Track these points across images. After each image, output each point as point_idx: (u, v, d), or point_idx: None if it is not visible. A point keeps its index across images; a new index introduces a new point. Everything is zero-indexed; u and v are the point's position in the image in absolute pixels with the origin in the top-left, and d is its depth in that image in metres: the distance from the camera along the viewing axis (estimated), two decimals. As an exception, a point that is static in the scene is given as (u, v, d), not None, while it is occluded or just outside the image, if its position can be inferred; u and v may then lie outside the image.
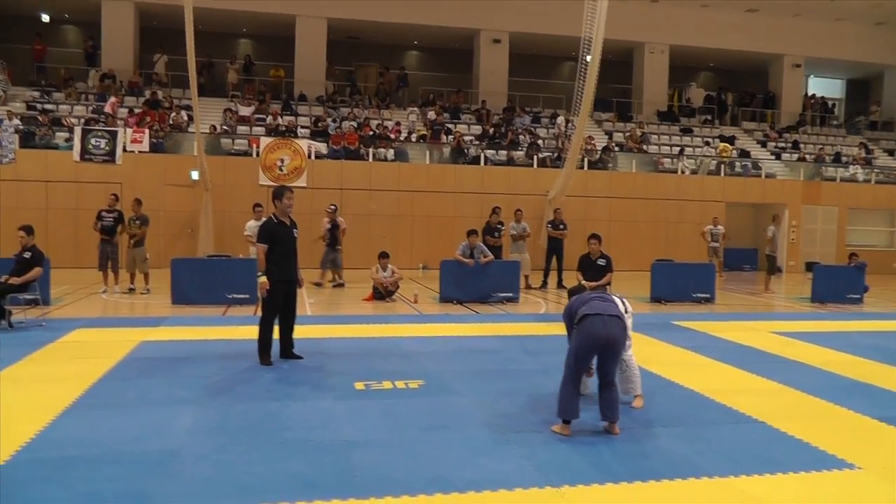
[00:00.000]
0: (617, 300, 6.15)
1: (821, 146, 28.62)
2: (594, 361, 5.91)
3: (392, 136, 22.87)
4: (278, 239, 8.04)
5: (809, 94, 32.87)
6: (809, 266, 16.77)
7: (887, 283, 20.66)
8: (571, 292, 6.61)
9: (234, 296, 12.67)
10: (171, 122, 21.77)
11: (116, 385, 6.97)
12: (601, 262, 11.62)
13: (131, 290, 14.29)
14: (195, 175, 19.34)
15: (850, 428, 6.21)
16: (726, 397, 7.03)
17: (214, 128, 21.82)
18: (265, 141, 20.70)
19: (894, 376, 8.31)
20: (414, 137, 23.51)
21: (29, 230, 10.83)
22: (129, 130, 20.10)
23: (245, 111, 23.32)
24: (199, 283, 12.80)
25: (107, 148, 19.59)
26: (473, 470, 4.85)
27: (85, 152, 19.42)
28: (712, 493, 4.65)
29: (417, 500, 4.33)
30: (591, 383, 6.41)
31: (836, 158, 27.46)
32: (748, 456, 5.35)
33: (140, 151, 19.97)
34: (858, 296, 15.88)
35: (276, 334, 8.23)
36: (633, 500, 4.48)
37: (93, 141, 19.51)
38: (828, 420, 6.44)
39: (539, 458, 5.11)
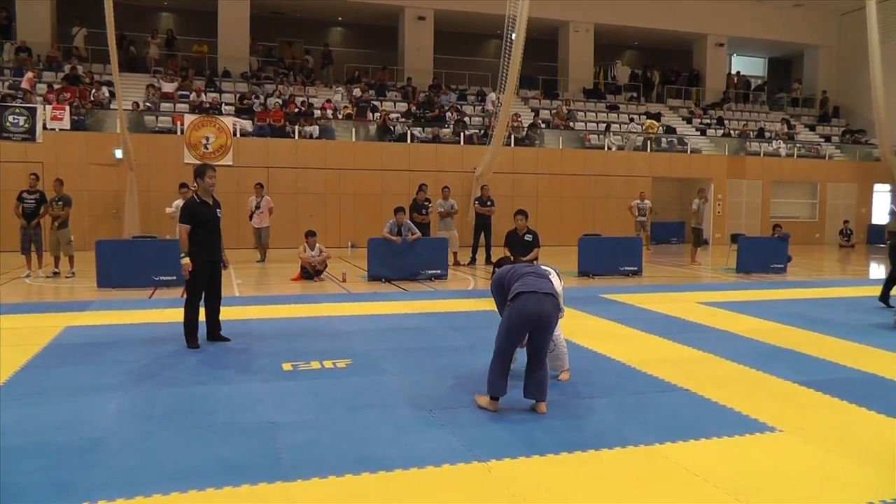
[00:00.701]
0: (552, 273, 6.20)
1: (745, 122, 29.49)
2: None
3: (320, 112, 22.66)
4: (201, 219, 7.92)
5: (733, 72, 33.72)
6: (735, 238, 17.32)
7: (810, 253, 21.49)
8: (499, 264, 6.54)
9: (161, 278, 12.50)
10: (92, 98, 21.15)
11: (39, 373, 6.84)
12: (528, 237, 11.78)
13: (56, 274, 13.94)
14: (119, 154, 18.92)
15: (772, 393, 6.47)
16: (652, 367, 7.26)
17: (137, 105, 21.31)
18: (189, 118, 20.34)
19: (815, 342, 8.71)
20: (340, 115, 23.34)
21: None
22: (48, 107, 19.48)
23: (168, 87, 22.80)
24: (124, 266, 12.59)
25: (26, 125, 19.00)
26: (401, 448, 4.93)
27: (3, 130, 18.82)
28: (638, 461, 4.79)
29: (344, 479, 4.40)
30: (520, 357, 6.31)
31: (760, 134, 28.35)
32: (673, 423, 5.54)
33: (61, 129, 19.43)
34: (782, 265, 16.54)
35: (202, 317, 8.17)
36: (560, 472, 4.60)
37: (10, 118, 18.89)
38: (751, 386, 6.69)
39: (466, 435, 5.20)
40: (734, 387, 6.62)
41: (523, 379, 5.79)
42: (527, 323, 5.57)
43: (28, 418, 5.49)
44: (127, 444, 4.97)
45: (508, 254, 11.74)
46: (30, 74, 21.41)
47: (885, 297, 11.62)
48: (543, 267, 6.31)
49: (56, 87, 21.20)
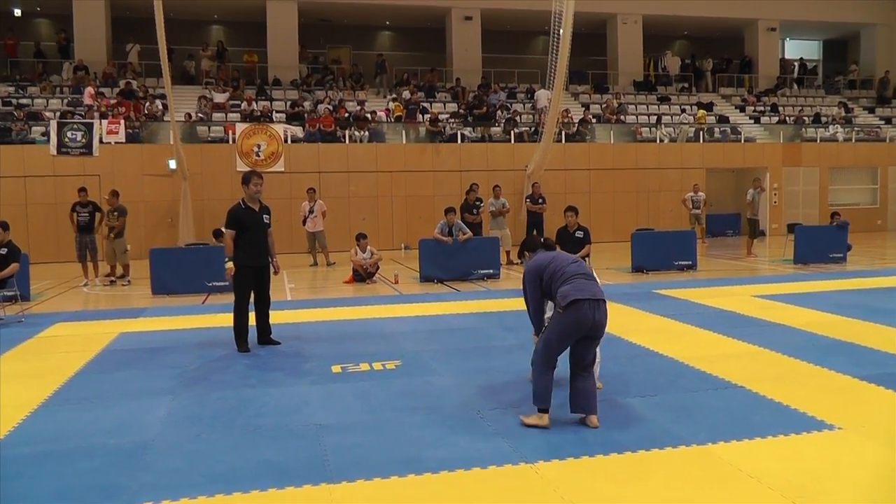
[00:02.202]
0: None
1: (800, 108, 28.70)
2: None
3: (370, 116, 22.76)
4: (246, 224, 7.99)
5: (787, 56, 32.90)
6: (791, 228, 16.83)
7: (871, 241, 20.79)
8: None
9: (214, 283, 12.64)
10: (146, 111, 21.59)
11: (93, 378, 6.97)
12: (579, 233, 11.63)
13: (112, 283, 14.27)
14: (172, 164, 19.25)
15: (830, 388, 6.24)
16: (705, 364, 7.06)
17: (189, 116, 21.65)
18: (241, 127, 20.59)
19: (876, 334, 8.37)
20: (392, 119, 23.41)
21: (5, 226, 10.84)
22: (104, 122, 19.94)
23: (219, 98, 23.14)
24: (178, 273, 12.78)
25: (83, 140, 19.46)
26: (447, 449, 4.87)
27: (61, 146, 19.29)
28: (690, 462, 4.63)
29: (389, 481, 4.35)
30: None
31: (816, 119, 27.53)
32: (727, 422, 5.36)
33: (116, 142, 19.83)
34: (841, 255, 16.01)
35: (252, 321, 8.22)
36: (609, 474, 4.48)
37: (69, 134, 19.37)
38: (808, 381, 6.46)
39: (514, 435, 5.11)
40: (791, 383, 6.39)
41: (569, 393, 5.40)
42: (580, 332, 5.22)
43: (81, 422, 5.58)
44: (174, 447, 5.01)
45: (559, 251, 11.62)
46: (90, 89, 21.91)
47: None
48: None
49: (112, 101, 21.67)
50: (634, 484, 4.32)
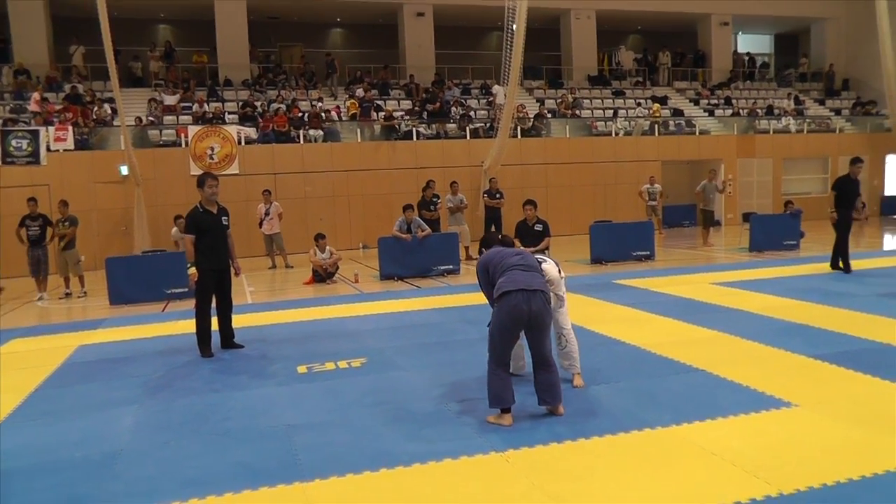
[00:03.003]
0: (550, 266, 6.02)
1: (753, 101, 29.25)
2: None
3: (324, 115, 22.64)
4: (205, 228, 7.92)
5: (739, 50, 33.46)
6: (746, 217, 17.19)
7: (823, 228, 21.09)
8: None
9: (173, 290, 12.48)
10: (94, 116, 21.17)
11: (54, 392, 6.84)
12: (538, 227, 11.71)
13: (68, 295, 13.86)
14: (124, 170, 18.89)
15: (787, 368, 6.43)
16: (667, 349, 7.22)
17: (140, 119, 21.28)
18: (193, 130, 20.32)
19: (829, 316, 8.65)
20: (345, 116, 23.31)
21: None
22: (51, 129, 19.50)
23: (170, 100, 22.76)
24: (136, 281, 12.59)
25: (29, 149, 18.97)
26: (417, 443, 4.92)
27: (6, 155, 18.75)
28: (655, 443, 4.77)
29: (362, 477, 4.38)
30: (528, 362, 6.12)
31: (769, 111, 28.08)
32: (689, 404, 5.50)
33: (65, 150, 19.39)
34: (795, 242, 16.41)
35: (215, 326, 8.15)
36: (577, 458, 4.58)
37: (13, 142, 18.85)
38: (765, 363, 6.66)
39: (482, 426, 5.17)
40: (749, 364, 6.58)
41: (533, 385, 5.42)
42: (519, 324, 5.19)
43: (45, 437, 5.50)
44: (144, 455, 4.97)
45: (520, 245, 11.71)
46: (36, 95, 21.38)
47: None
48: (539, 257, 6.05)
49: (57, 107, 21.21)
50: (603, 467, 4.42)
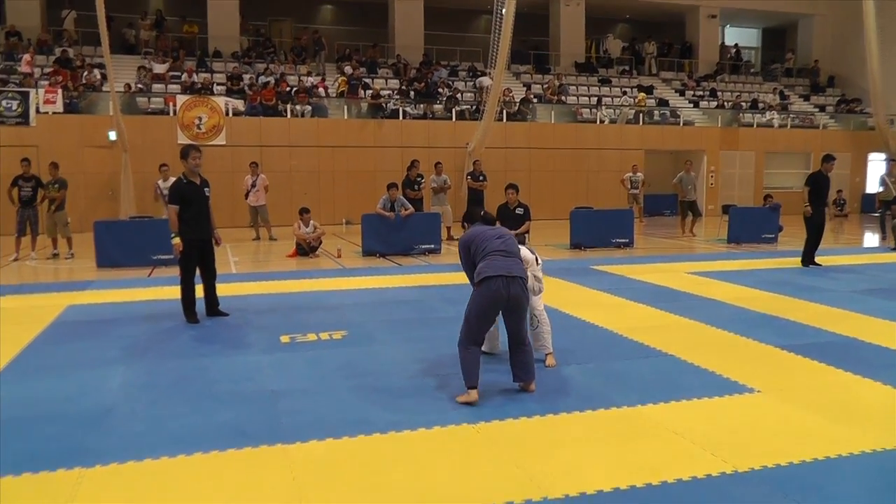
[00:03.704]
0: (526, 251, 6.24)
1: (738, 94, 29.58)
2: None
3: (312, 91, 22.74)
4: (188, 199, 8.10)
5: (726, 43, 33.73)
6: (726, 209, 17.50)
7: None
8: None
9: (159, 256, 12.68)
10: (84, 81, 21.19)
11: (46, 349, 7.08)
12: (519, 210, 11.97)
13: (55, 256, 14.07)
14: (112, 136, 19.02)
15: (752, 356, 6.74)
16: (638, 334, 7.51)
17: (129, 86, 21.34)
18: (181, 99, 20.42)
19: (798, 308, 8.97)
20: (333, 93, 23.43)
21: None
22: (40, 91, 19.54)
23: (159, 69, 22.81)
24: (123, 245, 12.81)
25: (18, 110, 19.06)
26: (394, 412, 5.17)
27: (-4, 115, 18.87)
28: (620, 421, 5.04)
29: (341, 441, 4.64)
30: (502, 342, 6.43)
31: (753, 105, 28.43)
32: (655, 386, 5.79)
33: (54, 112, 19.47)
34: (773, 235, 16.75)
35: (200, 293, 8.38)
36: (545, 432, 4.86)
37: (3, 103, 18.94)
38: (732, 350, 6.96)
39: (453, 399, 5.43)
40: (716, 351, 6.87)
41: (509, 363, 5.70)
42: (497, 307, 5.43)
43: (39, 390, 5.74)
44: (134, 413, 5.22)
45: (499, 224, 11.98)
46: (27, 56, 21.35)
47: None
48: (525, 248, 6.31)
49: (48, 70, 21.21)
50: (568, 441, 4.71)
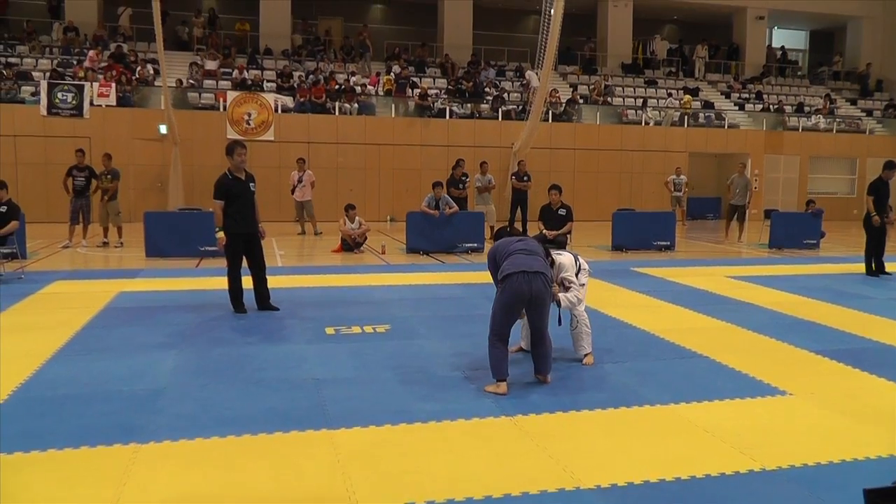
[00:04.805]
0: (566, 257, 6.42)
1: (785, 96, 29.22)
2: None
3: (360, 89, 23.01)
4: (234, 194, 8.26)
5: (774, 45, 33.33)
6: (768, 213, 17.37)
7: (846, 230, 21.37)
8: (497, 235, 6.53)
9: (207, 248, 12.97)
10: (137, 75, 21.75)
11: (100, 332, 7.37)
12: (561, 211, 12.08)
13: (105, 244, 14.52)
14: (163, 129, 19.49)
15: (787, 360, 6.78)
16: (674, 335, 7.58)
17: (181, 82, 21.84)
18: (232, 95, 20.83)
19: (836, 314, 8.94)
20: (381, 91, 23.69)
21: (3, 185, 11.11)
22: (95, 84, 20.09)
23: (211, 65, 23.30)
24: (172, 236, 13.14)
25: (73, 102, 19.64)
26: (434, 403, 5.33)
27: (52, 106, 19.48)
28: (653, 418, 5.15)
29: (383, 429, 4.81)
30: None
31: (799, 108, 28.06)
32: (689, 386, 5.87)
33: (107, 105, 20.02)
34: (815, 241, 16.56)
35: (249, 285, 8.57)
36: (579, 426, 4.99)
37: (59, 95, 19.54)
38: (767, 354, 6.99)
39: (485, 389, 5.61)
40: (751, 354, 6.92)
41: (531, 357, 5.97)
42: (519, 303, 5.62)
43: (94, 371, 6.00)
44: (185, 395, 5.45)
45: (542, 227, 12.09)
46: (93, 53, 21.91)
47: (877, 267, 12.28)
48: (559, 253, 6.50)
49: (102, 64, 21.79)
50: (601, 434, 4.83)
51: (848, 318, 8.71)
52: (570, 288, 6.34)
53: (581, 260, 6.63)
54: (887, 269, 12.38)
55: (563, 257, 6.46)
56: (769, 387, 5.89)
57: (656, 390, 5.74)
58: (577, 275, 6.48)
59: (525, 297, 5.59)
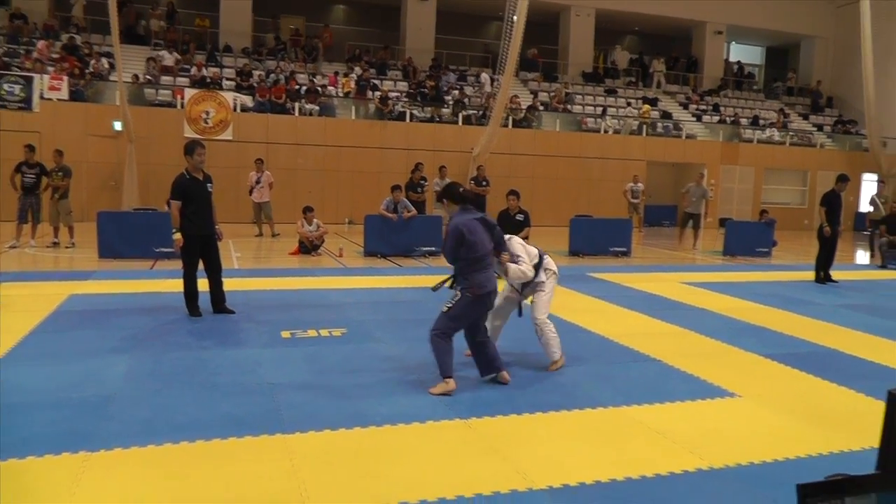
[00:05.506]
0: (527, 248, 6.43)
1: (740, 109, 29.83)
2: None
3: (321, 89, 22.90)
4: (191, 195, 8.15)
5: (731, 60, 34.00)
6: (722, 222, 17.76)
7: (797, 239, 21.91)
8: (452, 194, 6.09)
9: (162, 249, 12.78)
10: (91, 69, 21.31)
11: (49, 337, 7.21)
12: (519, 217, 12.14)
13: (55, 244, 14.12)
14: (118, 126, 19.14)
15: (737, 364, 6.98)
16: (628, 340, 7.74)
17: (137, 77, 21.48)
18: (190, 92, 20.56)
19: (785, 320, 9.24)
20: (340, 92, 23.60)
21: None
22: (45, 77, 19.63)
23: (168, 61, 22.95)
24: (126, 237, 12.91)
25: (21, 94, 19.02)
26: (390, 407, 5.34)
27: (-2, 98, 18.93)
28: (606, 421, 5.25)
29: (338, 433, 4.80)
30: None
31: (755, 121, 28.68)
32: (641, 389, 6.02)
33: (59, 99, 19.57)
34: (767, 249, 16.98)
35: (204, 287, 8.47)
36: (532, 428, 5.06)
37: (5, 86, 18.89)
38: (718, 358, 7.19)
39: (450, 396, 5.62)
40: (702, 358, 7.11)
41: (476, 362, 6.04)
42: (483, 315, 5.99)
43: (42, 377, 5.86)
44: (138, 400, 5.37)
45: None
46: (43, 43, 21.35)
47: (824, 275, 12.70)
48: (532, 248, 6.49)
49: (54, 56, 21.29)
50: (554, 436, 4.91)
51: (796, 324, 8.99)
52: (517, 261, 6.25)
53: (547, 260, 6.57)
54: (834, 278, 12.76)
55: (517, 240, 6.44)
56: (719, 389, 6.06)
57: (610, 393, 5.85)
58: (536, 269, 6.43)
59: (488, 310, 5.99)
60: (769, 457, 4.63)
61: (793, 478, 4.35)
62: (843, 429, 5.21)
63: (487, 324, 6.71)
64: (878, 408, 1.50)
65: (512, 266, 6.19)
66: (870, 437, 4.86)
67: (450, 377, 5.71)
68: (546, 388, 5.95)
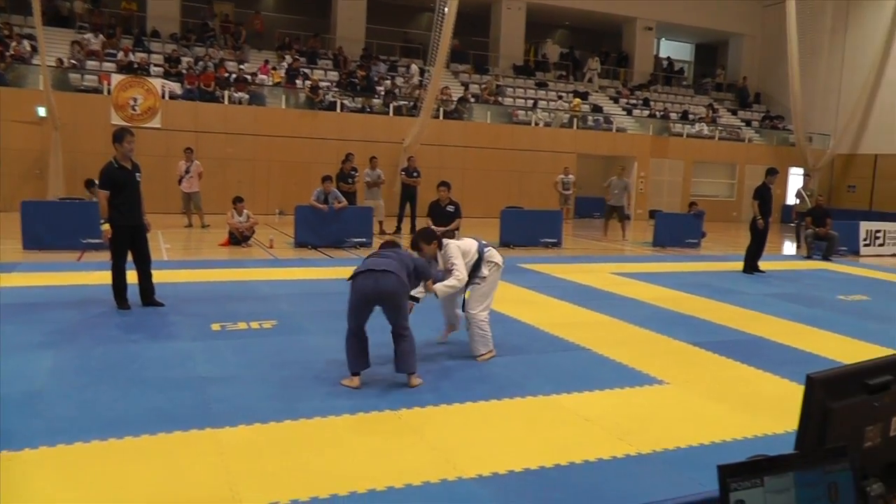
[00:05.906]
0: (466, 242, 6.57)
1: (670, 104, 30.54)
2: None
3: (251, 78, 22.63)
4: (120, 184, 8.02)
5: (661, 55, 34.74)
6: (652, 213, 18.24)
7: (726, 230, 22.63)
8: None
9: (90, 240, 12.54)
10: (11, 52, 20.62)
11: (-30, 331, 7.04)
12: (450, 208, 12.31)
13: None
14: (42, 112, 18.61)
15: (665, 352, 7.24)
16: (558, 329, 7.93)
17: (61, 61, 20.87)
18: (117, 78, 20.10)
19: (713, 309, 9.60)
20: (270, 81, 23.36)
21: None
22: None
23: (94, 44, 22.34)
24: (52, 227, 12.60)
25: (-66, 77, 18.41)
26: (320, 399, 5.41)
27: None
28: (535, 409, 5.40)
29: (268, 426, 4.85)
30: (462, 323, 6.88)
31: (684, 116, 29.43)
32: (571, 377, 6.20)
33: (-23, 84, 18.95)
34: (696, 240, 17.55)
35: (134, 279, 8.38)
36: (463, 418, 5.19)
37: (-85, 69, 18.26)
38: (647, 346, 7.45)
39: (381, 388, 5.71)
40: (632, 347, 7.35)
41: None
42: (367, 299, 5.66)
43: (-36, 372, 5.72)
44: (64, 396, 5.31)
45: (431, 223, 12.26)
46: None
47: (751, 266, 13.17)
48: (469, 239, 6.70)
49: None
50: (485, 426, 5.04)
51: (724, 313, 9.35)
52: (451, 271, 6.31)
53: (489, 252, 6.67)
54: (762, 268, 13.23)
55: (454, 244, 6.50)
56: (647, 376, 6.30)
57: (539, 382, 6.01)
58: (478, 264, 6.56)
59: (370, 293, 5.64)
60: (695, 441, 4.85)
61: (716, 460, 4.47)
62: (767, 413, 5.46)
63: (443, 312, 6.91)
64: (800, 392, 1.67)
65: (438, 288, 6.23)
66: (792, 420, 5.01)
67: (356, 374, 5.72)
68: (476, 378, 6.09)
